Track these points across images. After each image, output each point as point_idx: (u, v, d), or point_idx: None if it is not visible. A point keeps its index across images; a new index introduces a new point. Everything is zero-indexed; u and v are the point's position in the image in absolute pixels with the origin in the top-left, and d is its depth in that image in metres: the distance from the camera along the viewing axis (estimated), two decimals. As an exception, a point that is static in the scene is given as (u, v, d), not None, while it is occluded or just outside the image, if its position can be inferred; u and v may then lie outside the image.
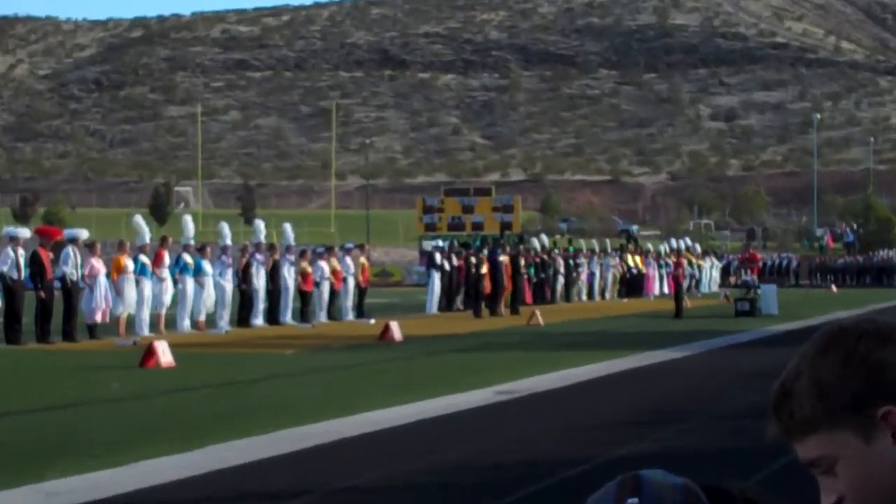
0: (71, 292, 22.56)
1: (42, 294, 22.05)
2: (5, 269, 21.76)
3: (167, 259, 25.14)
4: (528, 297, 37.20)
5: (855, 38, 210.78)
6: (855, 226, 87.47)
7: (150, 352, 17.29)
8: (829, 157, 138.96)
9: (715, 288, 51.49)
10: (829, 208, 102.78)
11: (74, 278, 22.64)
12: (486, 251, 34.39)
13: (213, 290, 25.88)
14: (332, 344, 22.24)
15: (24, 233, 23.81)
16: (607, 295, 43.82)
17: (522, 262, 36.28)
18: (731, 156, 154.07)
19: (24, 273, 22.16)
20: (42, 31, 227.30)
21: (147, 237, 25.20)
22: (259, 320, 27.37)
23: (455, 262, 34.66)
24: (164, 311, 24.93)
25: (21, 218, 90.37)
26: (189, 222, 26.90)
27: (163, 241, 26.00)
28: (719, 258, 59.37)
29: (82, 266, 22.93)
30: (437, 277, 33.87)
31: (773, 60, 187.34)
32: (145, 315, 23.99)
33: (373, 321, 27.59)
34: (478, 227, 53.67)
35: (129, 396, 13.91)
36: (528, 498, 8.22)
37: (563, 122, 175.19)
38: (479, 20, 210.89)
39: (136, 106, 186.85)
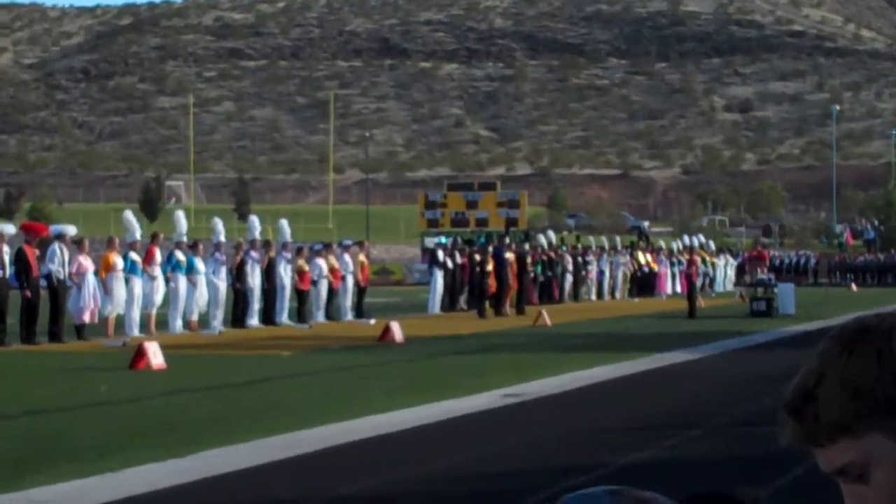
0: (58, 291, 22.43)
1: (27, 293, 21.87)
2: (-11, 266, 21.64)
3: (158, 256, 25.04)
4: (534, 296, 36.96)
5: (875, 25, 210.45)
6: (876, 222, 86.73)
7: (140, 353, 17.18)
8: (849, 151, 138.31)
9: (730, 287, 51.49)
10: (848, 204, 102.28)
11: (61, 276, 22.52)
12: (490, 248, 34.08)
13: (205, 288, 25.75)
14: (330, 345, 22.08)
15: (9, 229, 23.47)
16: (617, 294, 43.74)
17: (529, 259, 36.08)
18: (746, 149, 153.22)
19: (8, 271, 21.95)
20: (27, 18, 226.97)
21: (137, 233, 25.00)
22: (254, 320, 27.17)
23: (458, 259, 34.66)
24: (154, 311, 24.79)
25: (5, 213, 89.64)
26: (181, 218, 26.69)
27: (154, 238, 25.82)
28: (734, 256, 58.75)
29: (69, 264, 22.84)
30: (439, 276, 33.81)
31: (791, 49, 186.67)
32: (135, 315, 23.85)
33: (373, 321, 27.48)
34: (482, 223, 53.31)
35: (119, 400, 13.77)
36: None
37: (570, 113, 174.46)
38: (483, 7, 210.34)
39: (125, 97, 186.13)
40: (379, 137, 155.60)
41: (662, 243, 52.56)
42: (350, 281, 30.38)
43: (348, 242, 32.45)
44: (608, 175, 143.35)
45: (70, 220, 28.81)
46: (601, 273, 42.81)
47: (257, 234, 28.18)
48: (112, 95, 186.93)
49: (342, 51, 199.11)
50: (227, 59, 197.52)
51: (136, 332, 23.27)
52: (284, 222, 30.34)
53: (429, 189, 72.72)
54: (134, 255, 24.21)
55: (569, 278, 40.70)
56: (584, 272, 41.56)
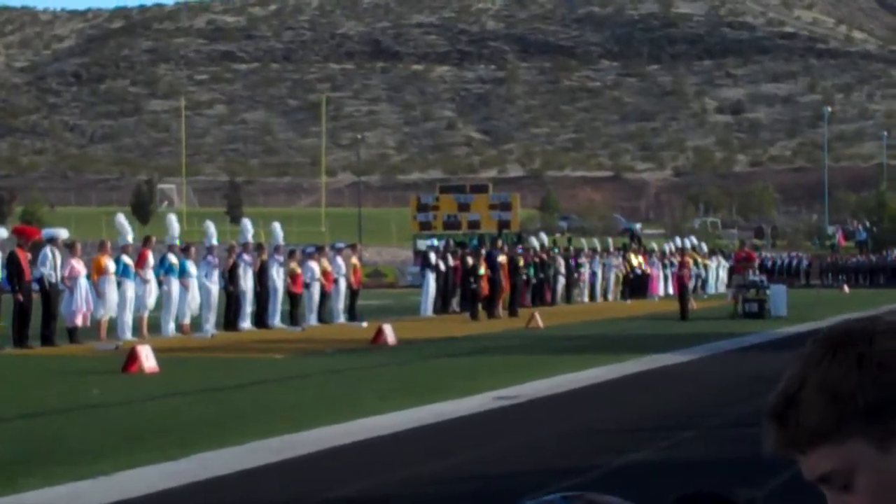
0: (50, 294, 22.29)
1: (19, 296, 21.71)
2: (-20, 270, 21.59)
3: (151, 260, 24.91)
4: (526, 298, 36.87)
5: (867, 27, 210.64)
6: (868, 223, 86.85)
7: (132, 356, 17.10)
8: (841, 152, 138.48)
9: (722, 288, 51.37)
10: (840, 205, 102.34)
11: (53, 280, 22.41)
12: (483, 251, 34.01)
13: (198, 292, 25.64)
14: (322, 348, 21.97)
15: (1, 233, 23.62)
16: (609, 296, 43.60)
17: (521, 261, 35.93)
18: (738, 151, 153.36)
19: (0, 274, 21.86)
20: (18, 21, 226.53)
21: (129, 237, 24.86)
22: (246, 323, 27.10)
23: (451, 262, 34.51)
24: (147, 314, 24.67)
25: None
26: (173, 221, 26.53)
27: (146, 241, 25.68)
28: (726, 257, 58.66)
29: (62, 267, 22.73)
30: (431, 278, 33.67)
31: (782, 51, 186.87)
32: (128, 318, 23.72)
33: (365, 324, 27.42)
34: (474, 225, 53.32)
35: (111, 403, 13.73)
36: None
37: (562, 115, 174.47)
38: (474, 9, 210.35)
39: (117, 100, 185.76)
40: (371, 140, 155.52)
41: (654, 245, 52.59)
42: (342, 284, 30.27)
43: (341, 245, 32.40)
44: (600, 177, 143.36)
45: (62, 224, 28.90)
46: (593, 275, 42.68)
47: (250, 238, 28.09)
48: (104, 99, 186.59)
49: (334, 53, 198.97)
50: (218, 62, 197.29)
51: (128, 335, 23.16)
52: (277, 225, 30.30)
53: (421, 191, 72.78)
54: (126, 259, 24.06)
55: (561, 280, 40.60)
56: (576, 274, 41.43)
